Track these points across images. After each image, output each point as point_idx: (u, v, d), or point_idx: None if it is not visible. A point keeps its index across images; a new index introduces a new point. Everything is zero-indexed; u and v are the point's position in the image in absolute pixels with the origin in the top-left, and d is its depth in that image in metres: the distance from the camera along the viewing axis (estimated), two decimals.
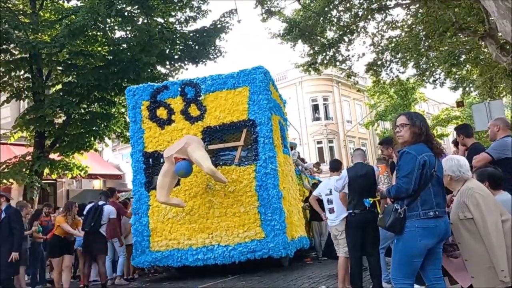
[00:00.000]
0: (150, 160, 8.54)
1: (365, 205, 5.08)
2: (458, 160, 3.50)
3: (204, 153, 7.50)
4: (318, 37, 15.28)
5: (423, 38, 15.19)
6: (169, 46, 13.05)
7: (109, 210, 8.34)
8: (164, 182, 7.52)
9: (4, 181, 11.46)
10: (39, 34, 11.82)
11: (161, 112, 8.59)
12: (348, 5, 14.63)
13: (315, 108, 32.57)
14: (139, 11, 12.61)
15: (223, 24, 13.31)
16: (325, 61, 15.86)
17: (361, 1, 14.79)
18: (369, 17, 14.89)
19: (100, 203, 8.37)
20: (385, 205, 4.20)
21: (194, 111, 8.46)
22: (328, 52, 15.64)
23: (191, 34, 13.21)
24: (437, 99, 45.60)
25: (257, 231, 7.86)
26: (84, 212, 8.20)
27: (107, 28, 12.34)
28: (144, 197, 8.41)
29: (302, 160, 12.01)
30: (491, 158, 4.37)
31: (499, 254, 3.15)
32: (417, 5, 14.27)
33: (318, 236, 9.87)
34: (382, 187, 4.76)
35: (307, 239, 9.07)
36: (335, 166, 6.25)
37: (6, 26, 10.80)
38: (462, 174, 3.42)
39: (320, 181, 12.84)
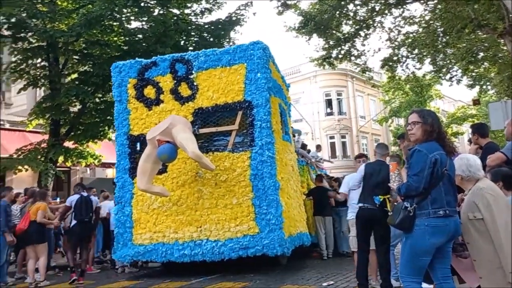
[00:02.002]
0: (136, 144, 7.73)
1: (375, 201, 5.16)
2: (468, 160, 3.44)
3: (190, 136, 6.64)
4: (334, 31, 15.20)
5: (441, 34, 15.06)
6: (184, 38, 13.03)
7: (96, 200, 8.54)
8: (146, 168, 6.71)
9: (19, 167, 11.62)
10: (56, 23, 11.82)
11: (149, 91, 7.77)
12: None
13: (329, 102, 32.21)
14: (155, 1, 12.63)
15: (238, 17, 13.19)
16: (340, 56, 15.78)
17: None
18: (386, 11, 14.70)
19: (85, 194, 8.06)
20: (395, 203, 4.18)
21: (184, 90, 7.62)
22: (343, 47, 15.56)
23: (206, 26, 13.09)
24: (453, 96, 44.23)
25: (251, 226, 7.02)
26: (72, 203, 7.87)
27: (123, 19, 12.46)
28: (127, 184, 7.62)
29: (309, 151, 11.08)
30: (506, 158, 4.22)
31: (508, 255, 3.11)
32: (436, 1, 14.11)
33: (323, 232, 8.97)
34: (393, 185, 4.52)
35: (308, 236, 8.20)
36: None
37: (24, 14, 10.92)
38: (472, 174, 3.37)
39: (325, 173, 12.03)
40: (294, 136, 9.90)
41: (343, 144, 31.36)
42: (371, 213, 5.16)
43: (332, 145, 31.02)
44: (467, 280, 3.52)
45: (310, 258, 8.85)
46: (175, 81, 7.65)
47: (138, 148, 7.71)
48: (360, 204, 5.34)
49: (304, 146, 11.13)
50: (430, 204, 3.03)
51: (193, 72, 7.58)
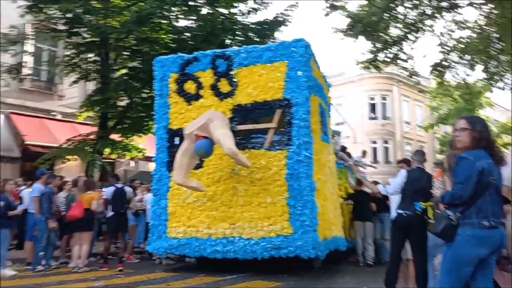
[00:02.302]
0: (175, 138, 7.79)
1: (415, 208, 5.07)
2: None
3: (227, 132, 6.61)
4: (382, 34, 14.84)
5: (495, 41, 14.35)
6: (230, 37, 13.03)
7: (130, 191, 8.72)
8: (183, 162, 6.75)
9: (68, 157, 12.26)
10: (109, 19, 12.19)
11: (189, 86, 7.82)
12: (415, 2, 14.01)
13: (373, 107, 31.45)
14: (203, 1, 12.82)
15: (284, 17, 13.17)
16: (386, 59, 15.41)
17: None
18: (437, 15, 14.20)
19: (119, 185, 8.37)
20: (438, 211, 3.99)
21: (224, 86, 7.60)
22: (390, 50, 15.16)
23: (252, 26, 13.13)
24: (505, 105, 41.87)
25: (284, 226, 6.89)
26: (109, 196, 8.23)
27: (172, 17, 12.63)
28: (164, 177, 7.70)
29: (348, 154, 10.77)
30: None
31: None
32: (491, 6, 13.35)
33: (361, 238, 8.67)
34: (436, 192, 4.37)
35: (343, 240, 7.95)
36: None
37: (80, 10, 11.32)
38: None
39: (365, 178, 11.64)
40: (333, 137, 9.67)
41: (386, 149, 30.53)
42: (409, 220, 5.08)
43: (374, 150, 30.14)
44: None
45: (346, 264, 8.59)
46: (215, 77, 7.65)
47: (176, 142, 7.76)
48: (400, 211, 5.24)
49: (343, 149, 10.85)
50: (475, 214, 2.93)
51: (234, 68, 7.55)
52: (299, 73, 7.16)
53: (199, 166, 7.52)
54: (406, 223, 5.09)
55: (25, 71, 13.43)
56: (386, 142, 30.83)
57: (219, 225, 7.22)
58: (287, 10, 13.30)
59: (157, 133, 7.94)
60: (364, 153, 12.33)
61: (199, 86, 7.74)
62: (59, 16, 11.77)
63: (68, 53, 13.02)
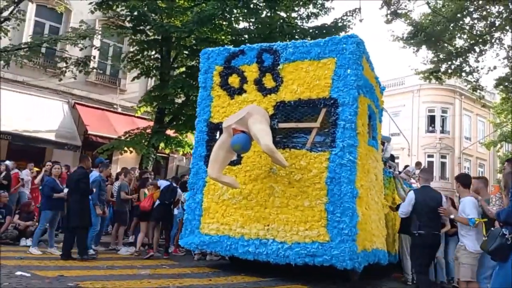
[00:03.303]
0: (215, 132, 7.62)
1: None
2: None
3: (266, 128, 6.29)
4: (446, 44, 14.49)
5: None
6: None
7: (180, 193, 9.20)
8: (218, 156, 6.53)
9: (125, 148, 12.81)
10: (172, 18, 12.84)
11: (233, 80, 7.61)
12: (484, 13, 13.61)
13: (431, 119, 30.22)
14: (264, 4, 13.04)
15: (344, 23, 13.04)
16: (449, 71, 15.00)
17: (500, 10, 13.03)
18: (507, 27, 13.64)
19: (174, 185, 9.01)
20: (492, 228, 3.95)
21: (269, 81, 7.31)
22: (454, 61, 14.76)
23: (311, 31, 13.06)
24: None
25: (321, 232, 6.47)
26: (161, 187, 8.85)
27: (233, 19, 13.00)
28: (201, 172, 7.53)
29: (392, 157, 10.09)
30: None
31: None
32: None
33: (407, 253, 7.99)
34: (492, 209, 4.50)
35: (385, 254, 7.37)
36: (467, 183, 5.63)
37: (146, 9, 11.88)
38: None
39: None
40: (383, 144, 9.08)
41: (442, 164, 29.16)
42: (430, 238, 5.51)
43: (430, 164, 28.82)
44: None
45: (388, 280, 7.97)
46: (260, 72, 7.38)
47: (217, 137, 7.59)
48: (415, 231, 5.61)
49: (392, 157, 10.20)
50: None
51: (280, 63, 7.24)
52: (348, 71, 6.71)
53: (237, 162, 7.29)
54: (429, 242, 5.49)
55: (91, 64, 14.27)
56: (443, 157, 29.55)
57: (253, 225, 6.93)
58: (346, 15, 13.07)
59: (198, 126, 7.80)
60: (418, 164, 11.57)
61: (243, 80, 7.50)
62: (126, 14, 12.39)
63: (132, 49, 13.84)
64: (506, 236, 2.93)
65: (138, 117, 15.67)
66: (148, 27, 12.50)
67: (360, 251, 6.37)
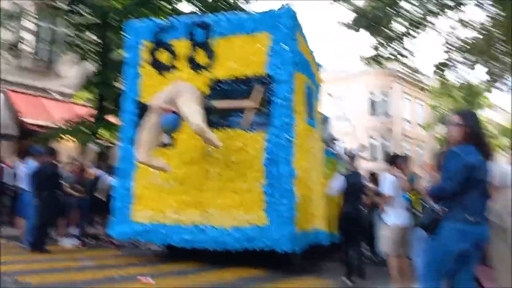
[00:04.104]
0: (144, 112, 7.01)
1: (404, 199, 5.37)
2: (502, 169, 3.56)
3: (196, 106, 5.84)
4: (385, 30, 14.78)
5: (500, 43, 14.32)
6: None
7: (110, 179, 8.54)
8: (147, 138, 6.02)
9: (63, 137, 12.06)
10: (111, 0, 12.12)
11: (163, 56, 7.02)
12: None
13: (373, 103, 30.96)
14: None
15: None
16: (389, 55, 15.38)
17: None
18: (442, 13, 14.12)
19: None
20: (425, 204, 4.30)
21: (201, 58, 6.82)
22: (393, 46, 15.14)
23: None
24: (506, 107, 41.37)
25: (260, 216, 6.23)
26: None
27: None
28: (131, 156, 6.90)
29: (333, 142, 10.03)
30: None
31: None
32: (498, 7, 13.29)
33: None
34: (425, 184, 4.77)
35: (326, 235, 7.31)
36: (393, 161, 5.84)
37: None
38: (505, 182, 3.45)
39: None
40: (324, 123, 8.94)
41: (385, 146, 29.83)
42: (355, 215, 6.21)
43: (373, 147, 29.54)
44: None
45: (332, 260, 7.88)
46: (191, 47, 6.86)
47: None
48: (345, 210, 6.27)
49: (332, 138, 10.13)
50: (461, 208, 2.95)
51: (212, 38, 6.76)
52: (284, 47, 6.38)
53: (170, 145, 6.80)
54: (352, 218, 6.15)
55: (25, 49, 13.30)
56: (385, 139, 30.27)
57: (189, 211, 6.55)
58: None
59: (125, 107, 7.17)
60: (362, 146, 11.64)
61: (174, 56, 6.95)
62: None
63: (68, 32, 12.91)
64: (437, 210, 3.04)
65: (78, 104, 14.94)
66: (83, 8, 11.86)
67: (299, 233, 6.22)
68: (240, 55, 6.62)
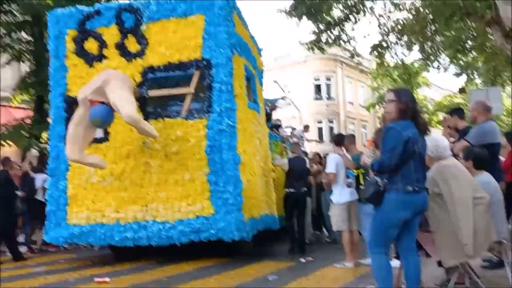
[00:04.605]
0: (74, 107, 6.52)
1: (350, 176, 5.71)
2: (436, 140, 3.68)
3: (127, 95, 5.46)
4: (324, 15, 14.94)
5: (430, 22, 14.88)
6: None
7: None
8: (77, 133, 5.56)
9: (3, 142, 11.43)
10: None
11: (91, 45, 6.56)
12: None
13: (318, 87, 31.68)
14: None
15: None
16: (329, 40, 15.62)
17: None
18: None
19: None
20: (368, 178, 4.60)
21: (132, 45, 6.43)
22: (333, 31, 15.39)
23: None
24: (441, 85, 43.66)
25: (205, 206, 5.97)
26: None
27: None
28: (63, 154, 6.41)
29: (278, 126, 9.93)
30: (470, 145, 4.41)
31: (464, 228, 3.34)
32: None
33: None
34: (367, 160, 4.86)
35: (275, 219, 7.19)
36: (340, 140, 6.14)
37: None
38: (440, 153, 3.60)
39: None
40: (271, 106, 8.81)
41: (331, 129, 30.84)
42: (297, 194, 6.98)
43: (320, 130, 30.44)
44: (432, 253, 3.79)
45: (283, 243, 7.80)
46: (121, 34, 6.45)
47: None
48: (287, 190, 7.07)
49: (276, 122, 10.04)
50: (400, 180, 3.09)
51: (143, 23, 6.39)
52: (219, 28, 6.13)
53: (104, 139, 6.39)
54: (296, 198, 6.98)
55: None
56: (331, 121, 31.25)
57: (129, 208, 6.16)
58: None
59: (53, 102, 6.66)
60: (306, 127, 11.57)
61: (103, 44, 6.50)
62: None
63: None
64: (379, 183, 3.14)
65: (14, 107, 14.18)
66: (14, 7, 11.25)
67: (247, 220, 6.02)
68: (174, 40, 6.31)
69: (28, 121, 11.89)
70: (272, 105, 10.54)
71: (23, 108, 13.72)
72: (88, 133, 5.68)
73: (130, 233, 6.06)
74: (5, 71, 14.25)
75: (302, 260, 6.06)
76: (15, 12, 11.45)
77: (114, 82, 5.39)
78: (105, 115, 5.41)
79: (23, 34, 12.05)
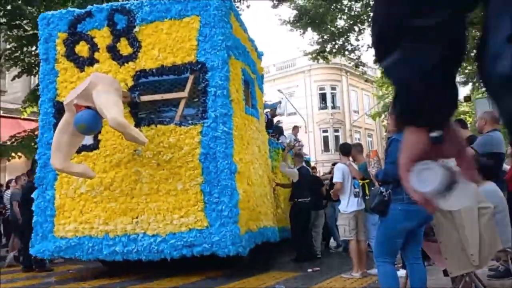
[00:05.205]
0: (64, 113, 6.22)
1: (355, 186, 5.59)
2: None
3: (113, 99, 5.10)
4: (328, 26, 15.07)
5: None
6: None
7: None
8: (62, 141, 5.22)
9: (13, 154, 11.69)
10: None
11: (82, 48, 6.27)
12: None
13: (323, 96, 31.48)
14: None
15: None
16: (334, 50, 15.69)
17: None
18: None
19: None
20: (372, 188, 4.59)
21: (124, 48, 6.13)
22: (337, 41, 15.47)
23: None
24: None
25: (198, 218, 5.59)
26: None
27: None
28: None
29: (280, 131, 9.52)
30: (476, 154, 4.35)
31: (470, 239, 3.32)
32: None
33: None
34: (372, 171, 4.85)
35: (275, 231, 6.77)
36: (347, 150, 6.03)
37: (20, 1, 10.76)
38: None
39: (308, 160, 10.58)
40: (270, 112, 8.43)
41: (336, 138, 30.48)
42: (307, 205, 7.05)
43: (325, 139, 30.23)
44: (437, 262, 3.80)
45: (283, 255, 7.39)
46: (113, 36, 6.16)
47: None
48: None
49: (279, 129, 9.64)
50: (404, 190, 2.35)
51: (136, 25, 6.09)
52: (215, 30, 5.81)
53: (94, 147, 6.06)
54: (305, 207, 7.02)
55: None
56: (336, 131, 30.92)
57: (119, 220, 5.80)
58: (235, 2, 12.90)
59: (42, 108, 6.35)
60: (294, 128, 10.89)
61: (94, 47, 6.21)
62: None
63: (9, 46, 12.46)
64: (384, 193, 3.13)
65: (24, 119, 14.16)
66: (25, 21, 11.31)
67: (244, 233, 5.62)
68: (168, 42, 5.99)
69: (37, 132, 11.73)
70: (272, 110, 10.14)
71: (33, 120, 13.56)
72: (74, 140, 5.34)
73: (119, 247, 5.70)
74: (15, 84, 14.74)
75: (309, 270, 5.99)
76: (25, 27, 11.59)
77: (101, 86, 5.05)
78: (91, 121, 5.07)
79: (33, 47, 12.00)
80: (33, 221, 6.14)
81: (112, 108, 4.88)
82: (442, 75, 0.71)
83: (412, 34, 0.68)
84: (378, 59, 0.76)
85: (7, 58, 12.28)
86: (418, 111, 0.74)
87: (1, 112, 14.92)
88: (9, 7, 10.67)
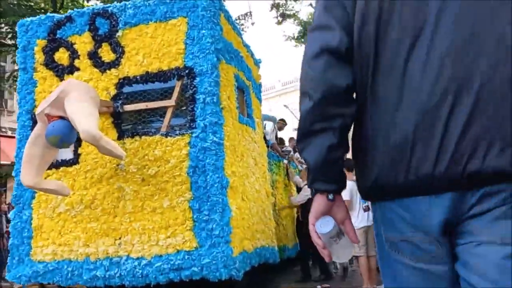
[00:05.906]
0: None
1: None
2: None
3: (88, 108, 4.59)
4: None
5: None
6: None
7: None
8: (34, 155, 4.73)
9: None
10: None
11: (61, 56, 5.83)
12: None
13: None
14: None
15: (238, 26, 12.29)
16: None
17: None
18: None
19: None
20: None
21: (106, 54, 5.68)
22: None
23: None
24: None
25: (187, 238, 5.03)
26: None
27: None
28: None
29: (281, 141, 9.01)
30: None
31: None
32: None
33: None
34: None
35: (274, 251, 6.20)
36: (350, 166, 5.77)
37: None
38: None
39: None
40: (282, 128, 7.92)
41: None
42: None
43: None
44: None
45: (287, 274, 6.84)
46: (94, 42, 5.71)
47: None
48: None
49: (281, 141, 9.11)
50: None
51: (118, 29, 5.65)
52: (203, 32, 5.34)
53: (73, 162, 5.57)
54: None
55: None
56: None
57: (100, 241, 5.27)
58: (239, 19, 12.84)
59: (20, 120, 5.90)
60: (290, 140, 10.35)
61: (74, 54, 5.77)
62: (7, 31, 11.29)
63: (17, 67, 12.02)
64: None
65: None
66: None
67: (237, 254, 5.05)
68: (153, 47, 5.53)
69: None
70: (279, 123, 9.64)
71: None
72: (47, 153, 4.84)
73: (101, 271, 5.16)
74: None
75: (318, 287, 6.10)
76: None
77: (74, 94, 4.56)
78: (65, 132, 4.55)
79: None
80: (8, 244, 5.65)
81: (86, 118, 4.38)
82: (332, 157, 1.22)
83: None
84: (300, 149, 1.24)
85: (15, 79, 12.15)
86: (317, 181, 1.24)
87: (9, 132, 14.83)
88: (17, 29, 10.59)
